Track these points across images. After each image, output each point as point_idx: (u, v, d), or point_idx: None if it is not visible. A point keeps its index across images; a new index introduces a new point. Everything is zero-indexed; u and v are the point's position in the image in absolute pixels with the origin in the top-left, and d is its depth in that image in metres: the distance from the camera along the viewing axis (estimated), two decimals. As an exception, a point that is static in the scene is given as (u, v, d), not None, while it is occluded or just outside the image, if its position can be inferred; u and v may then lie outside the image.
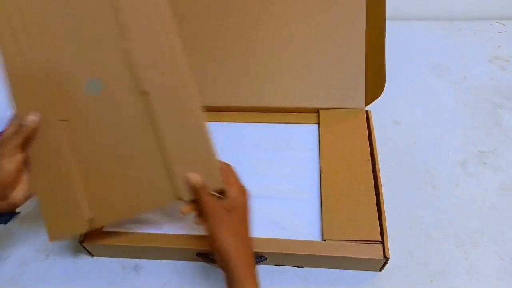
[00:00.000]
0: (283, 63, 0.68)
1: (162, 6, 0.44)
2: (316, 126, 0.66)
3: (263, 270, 0.57)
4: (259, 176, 0.61)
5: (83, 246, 0.56)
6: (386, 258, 0.51)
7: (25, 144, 0.46)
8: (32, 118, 0.45)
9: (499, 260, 0.56)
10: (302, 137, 0.65)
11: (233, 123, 0.68)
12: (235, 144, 0.65)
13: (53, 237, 0.48)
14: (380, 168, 0.58)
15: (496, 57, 0.83)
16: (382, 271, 0.55)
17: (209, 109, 0.68)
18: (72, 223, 0.48)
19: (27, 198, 0.47)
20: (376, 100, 0.64)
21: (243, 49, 0.69)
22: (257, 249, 0.53)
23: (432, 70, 0.81)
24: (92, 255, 0.60)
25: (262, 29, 0.69)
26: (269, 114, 0.68)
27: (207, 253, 0.55)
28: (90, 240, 0.55)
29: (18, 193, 0.46)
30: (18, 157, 0.45)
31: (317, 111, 0.67)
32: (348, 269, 0.56)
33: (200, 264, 0.58)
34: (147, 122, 0.45)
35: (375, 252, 0.52)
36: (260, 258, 0.54)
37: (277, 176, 0.61)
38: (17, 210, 0.48)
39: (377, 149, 0.60)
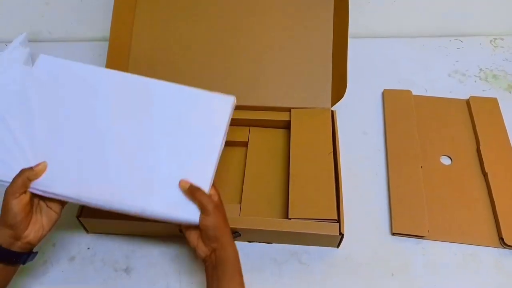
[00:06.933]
0: (261, 67, 0.76)
1: None
2: (287, 122, 0.74)
3: (237, 246, 0.64)
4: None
5: (79, 220, 0.63)
6: (342, 235, 0.59)
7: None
8: (40, 167, 0.51)
9: (452, 255, 0.63)
10: None
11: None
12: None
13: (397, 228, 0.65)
14: (342, 169, 0.66)
15: (455, 72, 0.89)
16: (339, 247, 0.63)
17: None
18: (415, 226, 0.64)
19: (39, 238, 0.51)
20: (343, 107, 0.72)
21: (226, 55, 0.77)
22: (233, 225, 0.60)
23: (397, 84, 0.86)
24: (87, 231, 0.67)
25: (244, 38, 0.77)
26: (247, 112, 0.75)
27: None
28: (86, 215, 0.62)
29: (30, 233, 0.50)
30: (23, 198, 0.49)
31: (289, 109, 0.74)
32: (310, 245, 0.64)
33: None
34: None
35: (332, 229, 0.60)
36: (235, 233, 0.61)
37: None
38: (34, 250, 0.52)
39: (347, 156, 0.68)
